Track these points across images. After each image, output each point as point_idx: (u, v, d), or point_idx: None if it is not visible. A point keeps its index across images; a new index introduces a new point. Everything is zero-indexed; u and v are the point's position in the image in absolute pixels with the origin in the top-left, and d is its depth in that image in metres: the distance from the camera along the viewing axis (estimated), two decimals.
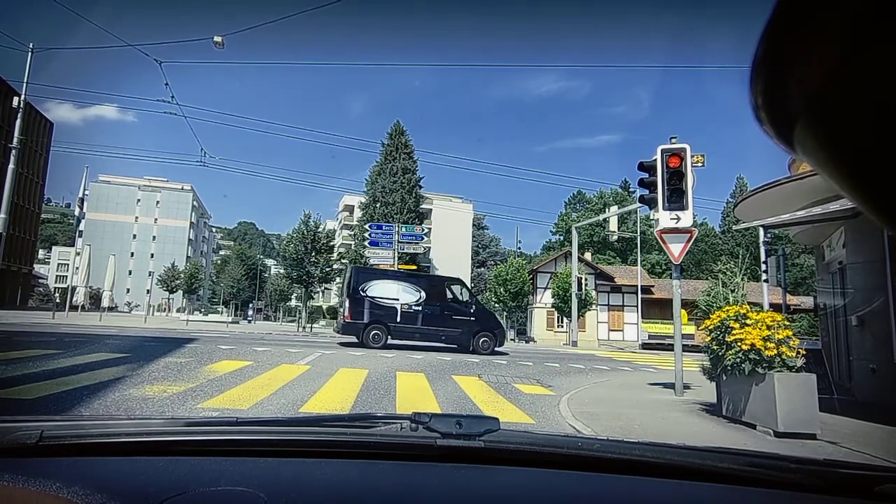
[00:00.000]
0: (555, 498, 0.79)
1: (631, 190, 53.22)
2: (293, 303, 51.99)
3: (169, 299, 52.68)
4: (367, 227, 37.85)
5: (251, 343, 12.74)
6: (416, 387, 6.95)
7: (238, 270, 54.92)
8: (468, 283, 58.00)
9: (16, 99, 16.59)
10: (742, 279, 6.83)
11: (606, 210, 38.57)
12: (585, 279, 30.06)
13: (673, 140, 7.27)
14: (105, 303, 25.30)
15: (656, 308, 31.75)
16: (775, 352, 4.76)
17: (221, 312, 48.04)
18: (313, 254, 31.11)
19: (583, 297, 27.96)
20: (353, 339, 12.92)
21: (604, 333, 34.04)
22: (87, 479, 0.69)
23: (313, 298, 41.43)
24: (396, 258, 31.75)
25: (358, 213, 51.28)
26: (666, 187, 7.07)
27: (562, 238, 57.52)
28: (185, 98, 43.92)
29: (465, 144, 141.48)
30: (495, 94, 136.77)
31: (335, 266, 34.69)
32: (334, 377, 7.28)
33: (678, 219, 7.03)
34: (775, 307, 7.76)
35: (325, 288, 45.84)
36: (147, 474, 0.77)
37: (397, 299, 12.72)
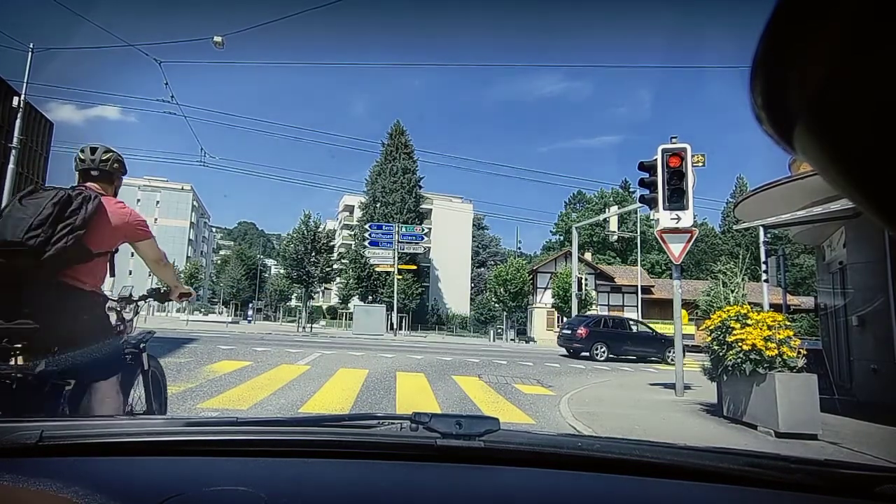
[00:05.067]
0: (555, 498, 0.79)
1: (631, 190, 53.18)
2: (293, 303, 51.96)
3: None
4: (367, 227, 37.88)
5: (251, 343, 12.75)
6: (416, 387, 6.95)
7: (238, 270, 54.80)
8: (469, 283, 57.41)
9: (16, 99, 16.59)
10: (742, 279, 6.83)
11: (606, 210, 38.55)
12: (585, 279, 30.05)
13: (673, 140, 7.27)
14: None
15: (656, 308, 31.75)
16: (776, 352, 4.76)
17: (221, 312, 47.97)
18: (313, 254, 31.12)
19: (583, 297, 27.94)
20: None
21: None
22: (87, 479, 0.69)
23: (313, 298, 41.42)
24: (396, 258, 31.76)
25: (358, 213, 51.23)
26: (666, 187, 7.07)
27: (562, 238, 57.51)
28: (185, 98, 43.69)
29: (465, 144, 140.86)
30: (496, 94, 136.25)
31: (335, 266, 34.69)
32: (334, 377, 7.28)
33: (678, 219, 7.02)
34: (775, 307, 7.75)
35: (325, 288, 45.87)
36: (147, 474, 0.77)
37: None
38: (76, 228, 1.96)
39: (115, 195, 2.36)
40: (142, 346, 2.58)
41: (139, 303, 2.61)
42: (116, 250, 2.31)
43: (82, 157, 2.28)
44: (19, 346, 1.89)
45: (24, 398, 1.80)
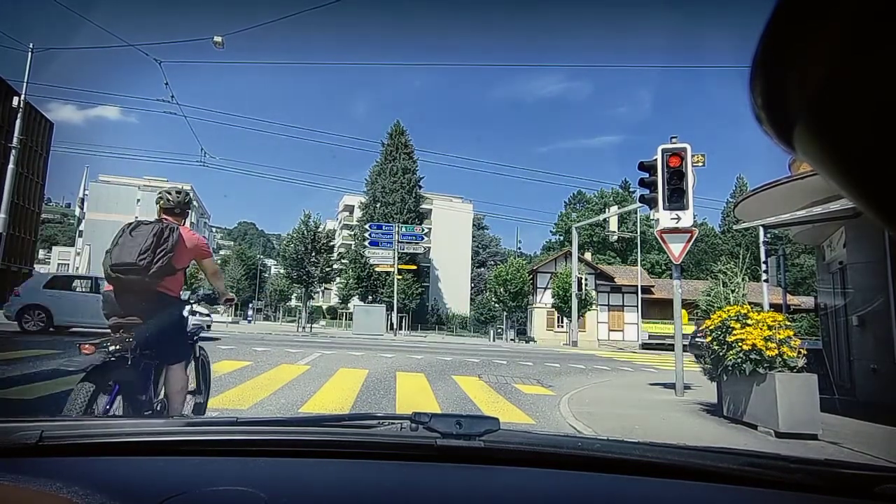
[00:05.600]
0: (555, 498, 0.79)
1: (631, 190, 53.14)
2: (293, 303, 51.93)
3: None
4: (367, 227, 37.87)
5: (251, 343, 12.75)
6: (416, 387, 6.95)
7: (238, 270, 54.76)
8: (469, 283, 57.14)
9: (16, 99, 16.60)
10: (742, 279, 6.83)
11: (606, 210, 38.54)
12: (585, 279, 30.05)
13: (673, 140, 7.26)
14: None
15: (656, 308, 31.72)
16: (776, 352, 4.75)
17: (221, 312, 48.01)
18: (313, 254, 31.08)
19: (583, 297, 27.94)
20: None
21: (604, 333, 34.01)
22: (87, 479, 0.69)
23: (313, 298, 41.37)
24: (396, 258, 31.75)
25: (358, 213, 51.21)
26: (666, 187, 7.06)
27: (562, 238, 57.47)
28: (185, 98, 43.66)
29: (465, 144, 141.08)
30: (496, 94, 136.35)
31: (335, 266, 34.67)
32: (334, 377, 7.28)
33: (678, 218, 7.02)
34: (775, 307, 7.75)
35: (325, 288, 45.79)
36: (147, 474, 0.77)
37: None
38: (168, 252, 2.65)
39: (184, 223, 2.99)
40: (196, 337, 3.27)
41: (194, 305, 3.19)
42: (188, 266, 2.99)
43: (169, 199, 2.93)
44: (129, 335, 2.58)
45: (133, 371, 2.55)
